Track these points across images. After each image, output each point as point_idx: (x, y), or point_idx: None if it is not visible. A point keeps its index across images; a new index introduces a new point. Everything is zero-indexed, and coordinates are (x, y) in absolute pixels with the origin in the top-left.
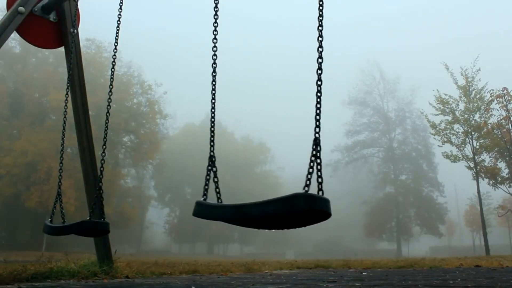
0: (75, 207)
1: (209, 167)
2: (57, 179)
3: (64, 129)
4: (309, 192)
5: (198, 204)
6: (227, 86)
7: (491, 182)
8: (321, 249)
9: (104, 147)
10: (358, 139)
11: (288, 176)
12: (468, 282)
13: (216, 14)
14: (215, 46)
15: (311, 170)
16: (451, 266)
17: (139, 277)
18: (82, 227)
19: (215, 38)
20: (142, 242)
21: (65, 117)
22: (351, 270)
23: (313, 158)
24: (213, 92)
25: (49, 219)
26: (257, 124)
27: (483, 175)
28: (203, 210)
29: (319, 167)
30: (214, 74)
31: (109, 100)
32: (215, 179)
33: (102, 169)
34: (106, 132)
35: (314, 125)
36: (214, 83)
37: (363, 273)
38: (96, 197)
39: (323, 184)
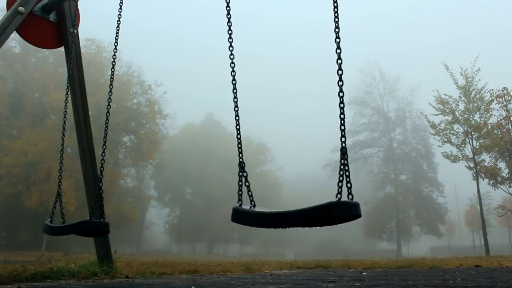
0: (75, 207)
1: (240, 173)
2: (57, 179)
3: (64, 129)
4: (341, 199)
5: (236, 210)
6: (227, 86)
7: (491, 182)
8: (321, 249)
9: (104, 147)
10: (358, 139)
11: (288, 176)
12: (468, 282)
13: (229, 21)
14: (232, 54)
15: (341, 178)
16: (451, 266)
17: (139, 277)
18: (82, 227)
19: (231, 46)
20: (142, 242)
21: (65, 117)
22: (351, 270)
23: (341, 167)
24: (235, 100)
25: (49, 219)
26: (257, 124)
27: (483, 175)
28: (241, 217)
29: (347, 173)
30: (234, 82)
31: (109, 100)
32: (247, 183)
33: (102, 169)
34: (106, 132)
35: (340, 135)
36: (235, 90)
37: (363, 273)
38: (96, 197)
39: (320, 183)
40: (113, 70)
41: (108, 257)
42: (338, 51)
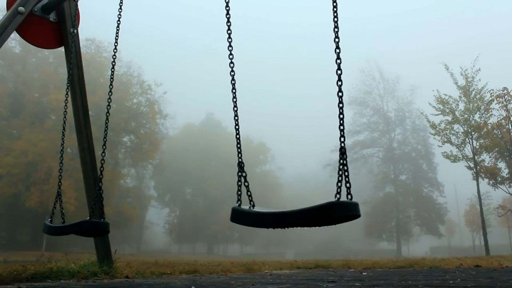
0: (75, 207)
1: (239, 173)
2: (57, 179)
3: (64, 129)
4: (340, 199)
5: (235, 210)
6: (227, 86)
7: (491, 182)
8: (321, 249)
9: (104, 147)
10: (358, 139)
11: (288, 176)
12: (468, 282)
13: (228, 21)
14: (231, 54)
15: (340, 178)
16: (451, 266)
17: (139, 277)
18: (82, 227)
19: (230, 46)
20: (142, 242)
21: (65, 117)
22: (351, 270)
23: (341, 167)
24: (234, 100)
25: (49, 219)
26: (257, 124)
27: (483, 175)
28: (241, 217)
29: (346, 173)
30: (233, 82)
31: (109, 100)
32: (246, 184)
33: (102, 169)
34: (106, 132)
35: (339, 135)
36: (234, 90)
37: (363, 273)
38: (96, 197)
39: (320, 183)
40: (113, 70)
41: (108, 257)
42: (337, 50)
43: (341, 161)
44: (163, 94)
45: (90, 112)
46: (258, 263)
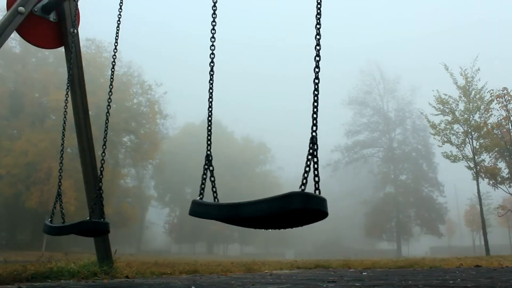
0: (75, 207)
1: (206, 166)
2: (57, 179)
3: (64, 129)
4: (305, 191)
5: (194, 203)
6: (227, 86)
7: (491, 182)
8: (321, 249)
9: (104, 147)
10: (358, 139)
11: (288, 176)
12: (468, 282)
13: (214, 13)
14: (213, 45)
15: (307, 169)
16: (451, 266)
17: (139, 277)
18: (82, 227)
19: (213, 37)
20: (142, 242)
21: (65, 117)
22: (351, 270)
23: (309, 157)
24: (210, 91)
25: (49, 219)
26: (257, 124)
27: (483, 175)
28: (199, 209)
29: (316, 165)
30: (211, 73)
31: (109, 100)
32: (212, 178)
33: (102, 169)
34: (106, 132)
35: (311, 124)
36: (211, 81)
37: (363, 273)
38: (96, 197)
39: (320, 183)
40: (113, 70)
41: (108, 257)
42: (318, 37)
43: (310, 151)
44: (163, 94)
45: (90, 112)
46: (258, 263)
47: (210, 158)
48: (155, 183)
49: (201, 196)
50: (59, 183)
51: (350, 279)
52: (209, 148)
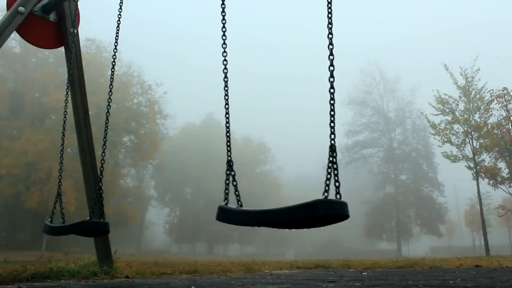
0: (75, 207)
1: (228, 172)
2: (57, 179)
3: (64, 129)
4: (328, 197)
5: (221, 209)
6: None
7: (491, 182)
8: (321, 249)
9: (104, 147)
10: (358, 139)
11: (288, 176)
12: (468, 282)
13: (223, 19)
14: (225, 52)
15: (329, 176)
16: (451, 266)
17: (139, 277)
18: (82, 227)
19: (224, 43)
20: (142, 242)
21: (65, 117)
22: (351, 270)
23: (329, 164)
24: (226, 98)
25: (49, 219)
26: (257, 124)
27: (483, 175)
28: (227, 215)
29: (336, 172)
30: (226, 79)
31: (109, 100)
32: (234, 183)
33: (102, 169)
34: (106, 132)
35: (330, 132)
36: (226, 88)
37: (363, 273)
38: (96, 197)
39: (320, 183)
40: (113, 70)
41: (108, 257)
42: (331, 47)
43: (330, 159)
44: (163, 94)
45: (90, 112)
46: (258, 263)
47: (231, 164)
48: (155, 183)
49: (226, 201)
50: (59, 183)
51: (350, 279)
52: (229, 154)
